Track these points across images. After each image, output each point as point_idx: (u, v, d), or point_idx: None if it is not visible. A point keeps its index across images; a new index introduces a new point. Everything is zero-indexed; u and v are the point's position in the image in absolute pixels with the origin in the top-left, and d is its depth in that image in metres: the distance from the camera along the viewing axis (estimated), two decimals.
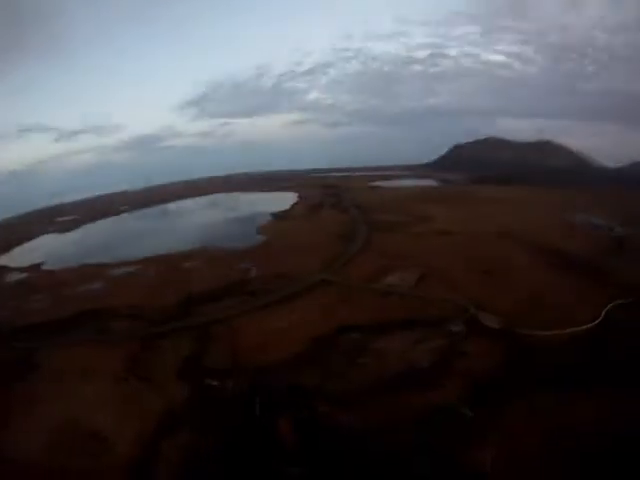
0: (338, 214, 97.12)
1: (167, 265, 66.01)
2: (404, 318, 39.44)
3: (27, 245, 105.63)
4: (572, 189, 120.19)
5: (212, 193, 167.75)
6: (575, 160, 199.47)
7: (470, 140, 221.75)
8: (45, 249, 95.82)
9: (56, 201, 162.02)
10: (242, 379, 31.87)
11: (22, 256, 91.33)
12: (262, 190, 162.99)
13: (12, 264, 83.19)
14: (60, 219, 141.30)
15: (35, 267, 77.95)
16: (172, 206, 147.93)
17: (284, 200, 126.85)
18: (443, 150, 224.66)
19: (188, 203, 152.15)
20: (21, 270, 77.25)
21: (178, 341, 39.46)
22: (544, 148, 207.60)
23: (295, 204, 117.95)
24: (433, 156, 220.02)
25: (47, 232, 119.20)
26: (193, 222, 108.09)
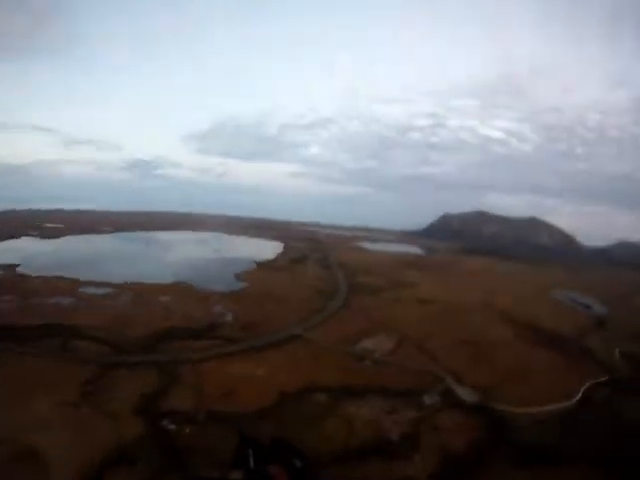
0: (321, 270, 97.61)
1: (142, 294, 64.32)
2: (376, 385, 38.28)
3: (6, 243, 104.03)
4: (558, 266, 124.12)
5: (200, 230, 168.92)
6: (562, 238, 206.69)
7: (460, 211, 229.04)
8: (24, 252, 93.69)
9: (45, 205, 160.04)
10: (204, 424, 30.12)
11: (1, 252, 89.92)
12: (250, 235, 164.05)
13: None
14: (45, 224, 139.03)
15: (10, 268, 76.12)
16: (158, 235, 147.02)
17: (270, 248, 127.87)
18: (432, 218, 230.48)
19: (174, 235, 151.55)
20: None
21: (140, 375, 37.32)
22: (532, 224, 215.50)
23: (280, 254, 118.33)
24: (422, 223, 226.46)
25: (29, 235, 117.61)
26: (176, 255, 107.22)
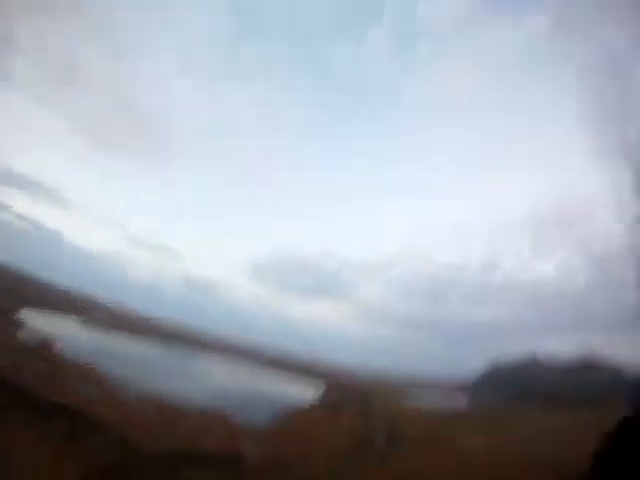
0: (361, 419, 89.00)
1: (169, 409, 58.97)
2: None
3: (51, 316, 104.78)
4: (619, 409, 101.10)
5: (246, 359, 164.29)
6: (619, 376, 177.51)
7: (509, 359, 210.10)
8: (64, 330, 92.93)
9: (104, 295, 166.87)
10: None
11: (37, 321, 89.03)
12: (293, 372, 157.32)
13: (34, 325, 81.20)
14: (96, 313, 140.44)
15: (47, 342, 74.03)
16: (202, 354, 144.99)
17: (311, 388, 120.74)
18: (482, 365, 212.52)
19: (218, 358, 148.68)
20: (36, 337, 74.62)
21: None
22: (587, 366, 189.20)
23: (320, 396, 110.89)
24: (471, 370, 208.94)
25: (76, 315, 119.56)
26: (212, 378, 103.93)
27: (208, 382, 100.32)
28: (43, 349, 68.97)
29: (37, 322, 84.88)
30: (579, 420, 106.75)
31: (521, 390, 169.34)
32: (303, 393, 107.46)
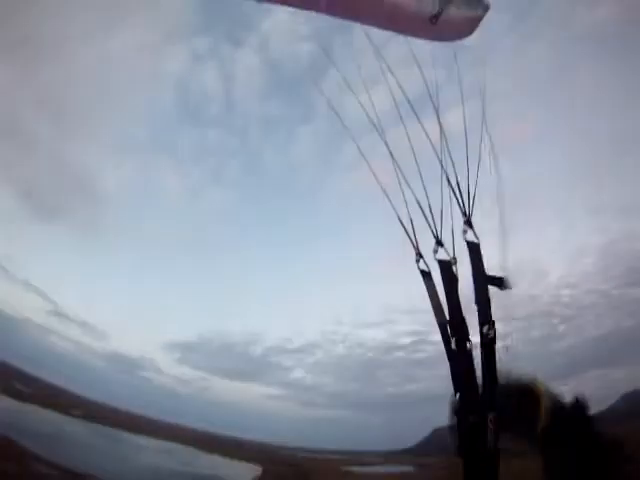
0: None
1: None
2: None
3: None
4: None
5: (173, 440, 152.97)
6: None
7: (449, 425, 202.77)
8: None
9: (26, 366, 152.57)
10: None
11: None
12: (225, 454, 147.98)
13: None
14: (14, 383, 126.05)
15: None
16: (127, 435, 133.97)
17: (246, 471, 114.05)
18: (423, 434, 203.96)
19: (143, 440, 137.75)
20: None
21: None
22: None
23: (258, 477, 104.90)
24: (412, 441, 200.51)
25: None
26: (143, 462, 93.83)
27: (138, 464, 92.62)
28: None
29: None
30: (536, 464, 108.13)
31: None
32: (239, 476, 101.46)
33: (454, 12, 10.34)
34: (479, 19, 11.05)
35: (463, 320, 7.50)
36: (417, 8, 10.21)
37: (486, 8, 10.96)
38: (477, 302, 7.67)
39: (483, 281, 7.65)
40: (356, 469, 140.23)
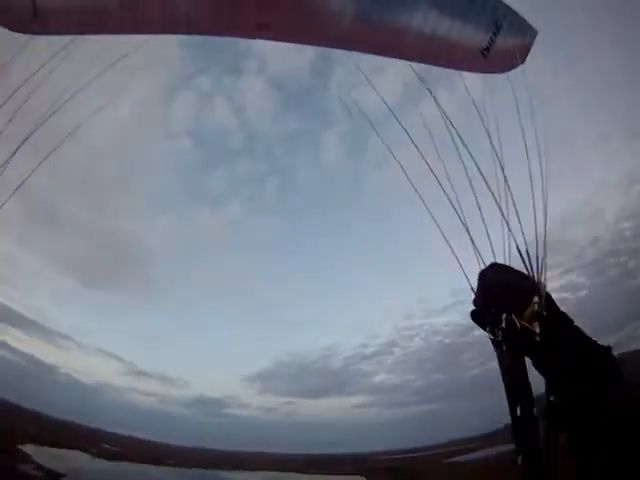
0: None
1: None
2: None
3: (60, 451, 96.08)
4: None
5: (270, 469, 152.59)
6: None
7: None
8: (74, 464, 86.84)
9: (104, 426, 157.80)
10: None
11: (42, 458, 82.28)
12: (323, 473, 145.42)
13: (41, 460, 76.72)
14: (103, 444, 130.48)
15: (54, 475, 71.41)
16: (224, 475, 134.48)
17: None
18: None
19: (239, 475, 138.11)
20: (45, 470, 71.75)
21: None
22: None
23: None
24: (507, 418, 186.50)
25: (86, 450, 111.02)
26: None
27: None
28: None
29: (42, 459, 78.77)
30: None
31: None
32: None
33: (504, 42, 10.30)
34: (528, 47, 10.89)
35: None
36: (468, 42, 10.35)
37: (534, 35, 10.84)
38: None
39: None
40: (458, 459, 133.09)
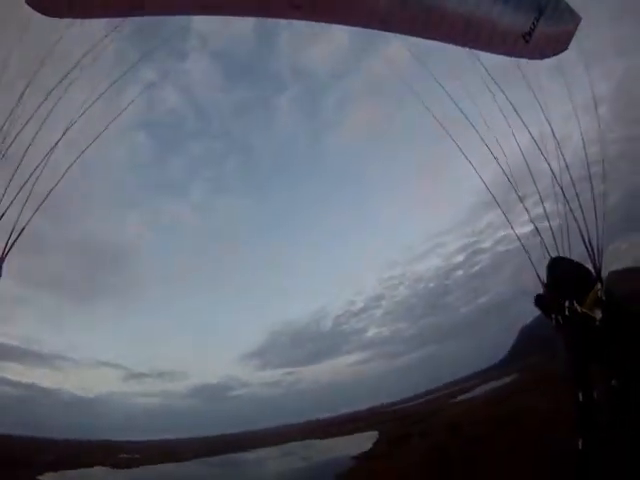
0: (429, 443, 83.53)
1: None
2: None
3: (79, 472, 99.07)
4: None
5: (284, 442, 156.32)
6: None
7: (534, 317, 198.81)
8: None
9: (115, 436, 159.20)
10: None
11: None
12: (337, 434, 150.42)
13: None
14: (119, 454, 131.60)
15: None
16: (240, 456, 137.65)
17: (364, 440, 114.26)
18: (511, 339, 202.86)
19: (259, 453, 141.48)
20: None
21: None
22: None
23: (377, 442, 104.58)
24: (505, 350, 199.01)
25: (104, 464, 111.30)
26: (265, 473, 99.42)
27: (263, 475, 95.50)
28: None
29: None
30: None
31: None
32: (358, 446, 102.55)
33: (546, 28, 10.13)
34: (572, 33, 10.71)
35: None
36: (509, 25, 10.07)
37: (578, 20, 10.56)
38: None
39: None
40: (463, 397, 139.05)
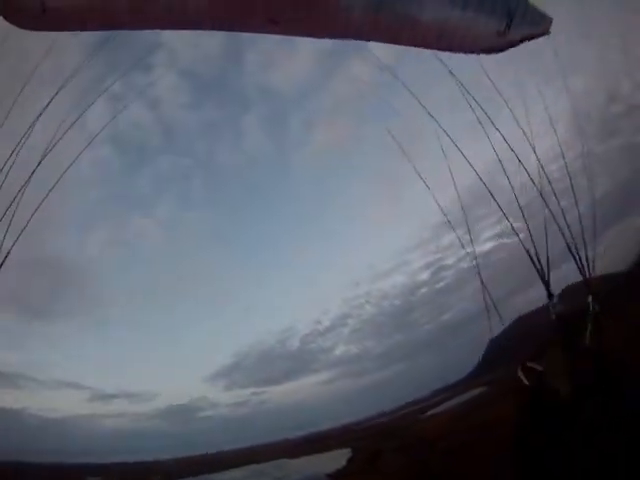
0: (403, 458, 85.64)
1: None
2: None
3: None
4: None
5: (255, 462, 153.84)
6: None
7: (500, 331, 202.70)
8: None
9: (84, 459, 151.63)
10: None
11: None
12: (309, 452, 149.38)
13: None
14: (86, 478, 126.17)
15: None
16: (211, 477, 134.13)
17: (338, 457, 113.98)
18: (479, 354, 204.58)
19: (230, 474, 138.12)
20: None
21: None
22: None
23: (350, 458, 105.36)
24: (472, 364, 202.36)
25: None
26: None
27: None
28: None
29: None
30: None
31: (528, 348, 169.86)
32: (332, 465, 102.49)
33: (517, 34, 10.82)
34: (543, 35, 11.36)
35: None
36: (480, 33, 10.46)
37: (549, 23, 11.37)
38: None
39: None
40: (433, 411, 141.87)
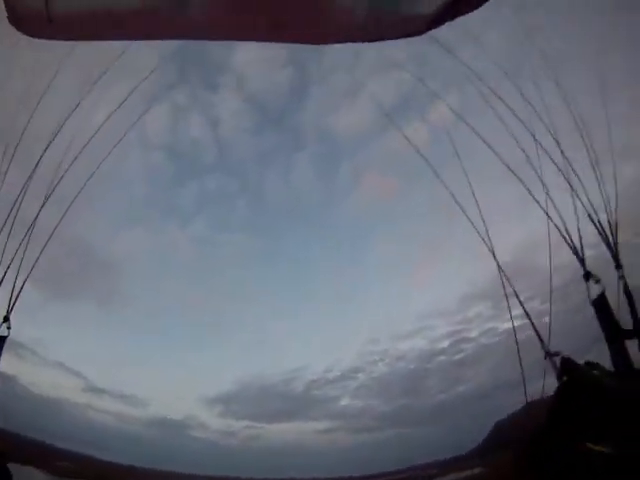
0: None
1: None
2: None
3: (13, 465, 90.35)
4: None
5: None
6: None
7: (509, 413, 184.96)
8: None
9: (55, 441, 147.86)
10: None
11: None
12: None
13: None
14: (59, 463, 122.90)
15: None
16: None
17: None
18: (485, 432, 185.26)
19: None
20: None
21: None
22: None
23: None
24: (476, 442, 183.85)
25: (38, 466, 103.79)
26: None
27: None
28: None
29: None
30: None
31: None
32: None
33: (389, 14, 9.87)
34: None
35: None
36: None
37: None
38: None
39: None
40: None
